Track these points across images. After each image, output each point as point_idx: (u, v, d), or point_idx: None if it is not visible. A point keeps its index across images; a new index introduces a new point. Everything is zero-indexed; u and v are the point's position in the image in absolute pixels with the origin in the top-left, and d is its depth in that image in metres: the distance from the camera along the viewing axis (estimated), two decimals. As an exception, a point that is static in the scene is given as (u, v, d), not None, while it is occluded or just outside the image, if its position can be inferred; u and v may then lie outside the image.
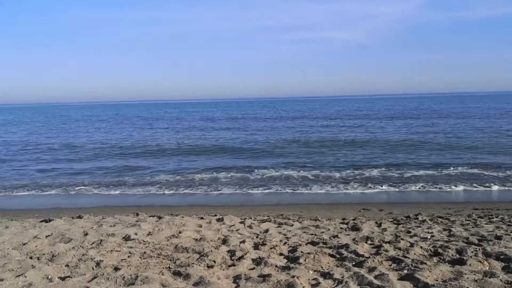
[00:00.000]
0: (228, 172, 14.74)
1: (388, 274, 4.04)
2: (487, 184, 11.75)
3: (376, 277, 4.01)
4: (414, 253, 4.82)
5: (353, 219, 7.70)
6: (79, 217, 7.71)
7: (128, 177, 14.37)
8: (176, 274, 4.21)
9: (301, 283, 3.90)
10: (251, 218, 7.62)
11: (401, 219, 7.66)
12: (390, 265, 4.44)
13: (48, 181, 14.07)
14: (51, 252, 5.01)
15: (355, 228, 6.53)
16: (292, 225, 6.91)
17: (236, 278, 4.11)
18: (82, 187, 12.90)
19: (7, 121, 55.81)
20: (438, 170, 13.98)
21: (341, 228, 6.67)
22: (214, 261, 4.62)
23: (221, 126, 36.72)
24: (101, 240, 5.58)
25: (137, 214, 8.02)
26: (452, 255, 4.66)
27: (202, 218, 7.57)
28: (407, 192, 11.38)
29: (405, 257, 4.67)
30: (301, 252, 4.91)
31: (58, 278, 4.16)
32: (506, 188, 11.40)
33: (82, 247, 5.29)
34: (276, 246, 5.28)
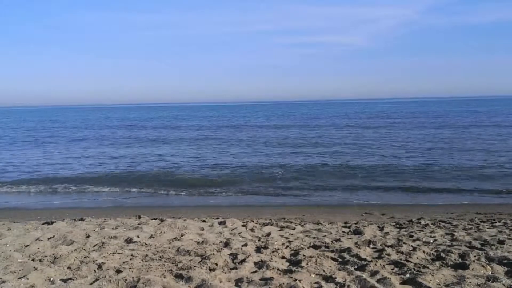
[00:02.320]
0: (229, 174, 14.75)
1: (390, 278, 4.03)
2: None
3: (378, 281, 4.00)
4: (417, 257, 4.81)
5: (355, 223, 7.68)
6: (81, 219, 7.72)
7: (129, 179, 14.39)
8: (178, 277, 4.21)
9: (303, 287, 3.89)
10: (253, 222, 7.61)
11: (404, 223, 7.64)
12: (393, 269, 4.43)
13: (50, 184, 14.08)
14: (53, 254, 5.01)
15: (357, 232, 6.52)
16: (294, 229, 6.90)
17: (238, 281, 4.11)
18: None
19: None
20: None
21: (343, 232, 6.66)
22: (216, 264, 4.62)
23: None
24: (103, 243, 5.58)
25: (139, 217, 8.02)
26: (455, 260, 4.64)
27: (204, 221, 7.57)
28: (409, 196, 11.35)
29: (408, 261, 4.66)
30: (303, 255, 4.91)
31: (60, 280, 4.17)
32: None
33: (84, 249, 5.29)
34: (278, 249, 5.27)
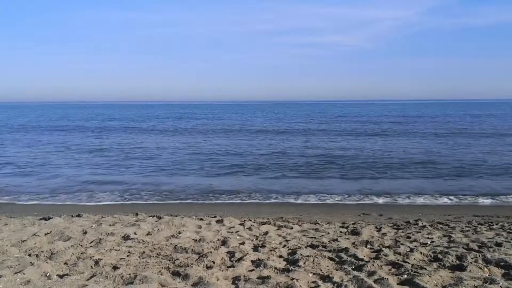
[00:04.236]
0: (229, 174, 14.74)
1: (387, 279, 4.03)
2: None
3: (375, 281, 4.00)
4: (414, 258, 4.81)
5: (353, 224, 7.67)
6: (78, 215, 7.70)
7: (128, 176, 14.37)
8: (175, 274, 4.21)
9: (300, 286, 3.89)
10: (250, 220, 7.60)
11: (401, 224, 7.64)
12: (390, 270, 4.43)
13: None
14: (50, 249, 5.00)
15: (355, 232, 6.51)
16: (292, 228, 6.89)
17: (235, 280, 4.11)
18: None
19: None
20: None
21: (340, 232, 6.66)
22: (213, 262, 4.61)
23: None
24: (100, 239, 5.57)
25: (137, 214, 8.00)
26: (452, 261, 4.65)
27: (201, 219, 7.56)
28: (407, 198, 11.35)
29: (405, 262, 4.67)
30: (301, 255, 4.90)
31: (56, 275, 4.16)
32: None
33: (81, 245, 5.28)
34: (276, 248, 5.27)
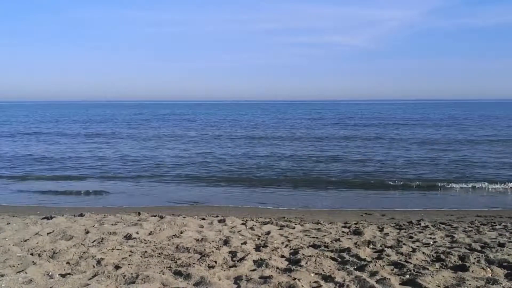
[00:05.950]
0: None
1: (390, 279, 4.02)
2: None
3: (377, 281, 4.00)
4: (416, 259, 4.80)
5: (355, 223, 7.66)
6: (81, 215, 7.71)
7: (129, 174, 14.39)
8: (177, 273, 4.21)
9: (302, 286, 3.89)
10: (252, 220, 7.60)
11: (403, 225, 7.62)
12: (392, 270, 4.42)
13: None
14: (52, 249, 5.01)
15: (357, 232, 6.51)
16: (294, 228, 6.89)
17: (237, 279, 4.11)
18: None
19: None
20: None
21: (343, 232, 6.65)
22: (215, 262, 4.61)
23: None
24: (102, 238, 5.58)
25: (139, 214, 8.01)
26: (455, 261, 4.64)
27: (203, 219, 7.56)
28: (409, 198, 11.34)
29: (407, 262, 4.66)
30: (303, 254, 4.90)
31: (58, 275, 4.16)
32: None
33: (83, 244, 5.29)
34: (278, 248, 5.27)
